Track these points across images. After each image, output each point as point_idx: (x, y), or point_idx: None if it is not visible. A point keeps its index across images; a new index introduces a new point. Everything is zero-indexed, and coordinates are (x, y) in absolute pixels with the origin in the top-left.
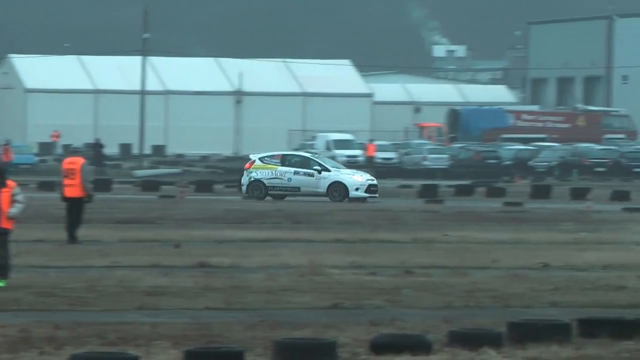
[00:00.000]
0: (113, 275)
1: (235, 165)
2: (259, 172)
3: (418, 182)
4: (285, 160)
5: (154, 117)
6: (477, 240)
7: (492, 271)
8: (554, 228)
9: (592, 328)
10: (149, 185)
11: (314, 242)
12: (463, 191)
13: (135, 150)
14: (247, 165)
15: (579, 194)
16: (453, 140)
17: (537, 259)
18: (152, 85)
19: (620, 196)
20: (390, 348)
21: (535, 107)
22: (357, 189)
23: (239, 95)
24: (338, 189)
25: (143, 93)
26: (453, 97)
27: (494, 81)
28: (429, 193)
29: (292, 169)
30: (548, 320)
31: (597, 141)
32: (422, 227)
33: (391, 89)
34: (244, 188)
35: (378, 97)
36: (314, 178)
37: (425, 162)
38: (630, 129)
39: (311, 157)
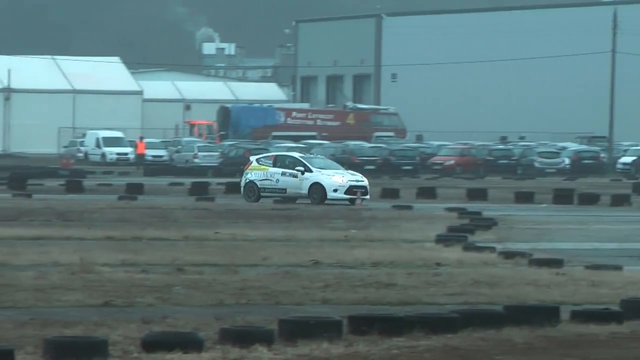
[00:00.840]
0: None
1: (4, 163)
2: (253, 173)
3: (189, 180)
4: (277, 161)
5: None
6: (248, 238)
7: (263, 269)
8: (324, 226)
9: (363, 325)
10: None
11: (84, 239)
12: (234, 189)
13: None
14: (246, 166)
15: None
16: (223, 137)
17: (307, 257)
18: None
19: (389, 194)
20: (161, 346)
21: (305, 105)
22: (335, 190)
23: (7, 92)
24: (317, 191)
25: None
26: (223, 95)
27: (264, 79)
28: (199, 191)
29: (281, 170)
30: (319, 318)
31: (366, 139)
32: (193, 224)
33: (161, 86)
34: (242, 190)
35: (148, 95)
36: (298, 179)
37: (196, 160)
38: (400, 127)
39: (298, 158)
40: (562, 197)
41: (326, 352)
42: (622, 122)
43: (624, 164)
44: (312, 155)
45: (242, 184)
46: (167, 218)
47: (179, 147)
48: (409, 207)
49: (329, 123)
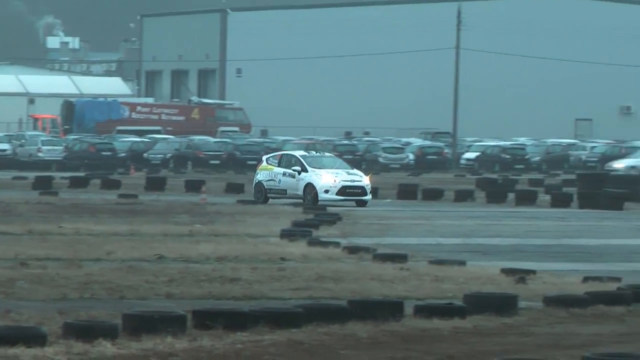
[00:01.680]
0: None
1: None
2: (261, 173)
3: (32, 174)
4: (282, 161)
5: None
6: (92, 232)
7: (107, 263)
8: (168, 220)
9: (207, 319)
10: None
11: None
12: (78, 183)
13: None
14: (257, 165)
15: (193, 186)
16: (67, 132)
17: (152, 251)
18: None
19: (234, 188)
20: (4, 340)
21: (150, 100)
22: (326, 191)
23: None
24: (310, 192)
25: None
26: (68, 89)
27: (108, 73)
28: (43, 185)
29: (282, 170)
30: (163, 312)
31: (211, 134)
32: (36, 219)
33: (4, 80)
34: (253, 191)
35: None
36: (295, 179)
37: (40, 154)
38: (245, 122)
39: (298, 156)
40: (406, 193)
41: (170, 347)
42: (465, 118)
43: (468, 159)
44: (316, 154)
45: (253, 183)
46: (10, 212)
47: (23, 141)
48: (255, 202)
49: (174, 118)
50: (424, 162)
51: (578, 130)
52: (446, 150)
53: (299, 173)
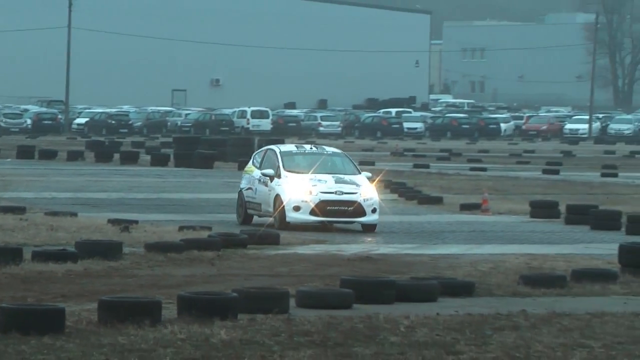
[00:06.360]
0: None
1: None
2: (245, 177)
3: None
4: (264, 160)
5: None
6: None
7: None
8: None
9: None
10: None
11: None
12: None
13: None
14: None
15: None
16: None
17: None
18: None
19: None
20: None
21: None
22: (296, 209)
23: None
24: (278, 207)
25: None
26: None
27: None
28: None
29: (259, 174)
30: None
31: None
32: None
33: None
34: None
35: None
36: (267, 188)
37: None
38: None
39: (277, 153)
40: (24, 153)
41: None
42: (77, 88)
43: (79, 124)
44: (311, 150)
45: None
46: None
47: None
48: None
49: None
50: (41, 126)
51: (174, 99)
52: (60, 116)
53: (271, 179)
